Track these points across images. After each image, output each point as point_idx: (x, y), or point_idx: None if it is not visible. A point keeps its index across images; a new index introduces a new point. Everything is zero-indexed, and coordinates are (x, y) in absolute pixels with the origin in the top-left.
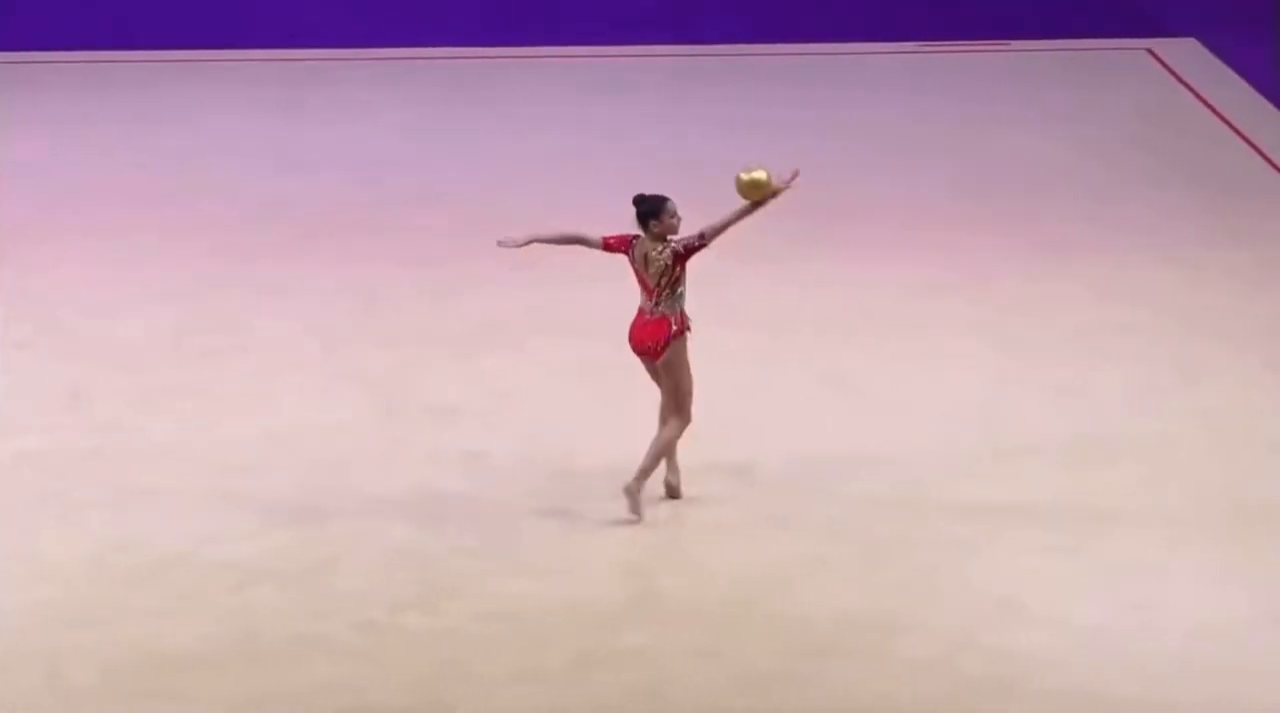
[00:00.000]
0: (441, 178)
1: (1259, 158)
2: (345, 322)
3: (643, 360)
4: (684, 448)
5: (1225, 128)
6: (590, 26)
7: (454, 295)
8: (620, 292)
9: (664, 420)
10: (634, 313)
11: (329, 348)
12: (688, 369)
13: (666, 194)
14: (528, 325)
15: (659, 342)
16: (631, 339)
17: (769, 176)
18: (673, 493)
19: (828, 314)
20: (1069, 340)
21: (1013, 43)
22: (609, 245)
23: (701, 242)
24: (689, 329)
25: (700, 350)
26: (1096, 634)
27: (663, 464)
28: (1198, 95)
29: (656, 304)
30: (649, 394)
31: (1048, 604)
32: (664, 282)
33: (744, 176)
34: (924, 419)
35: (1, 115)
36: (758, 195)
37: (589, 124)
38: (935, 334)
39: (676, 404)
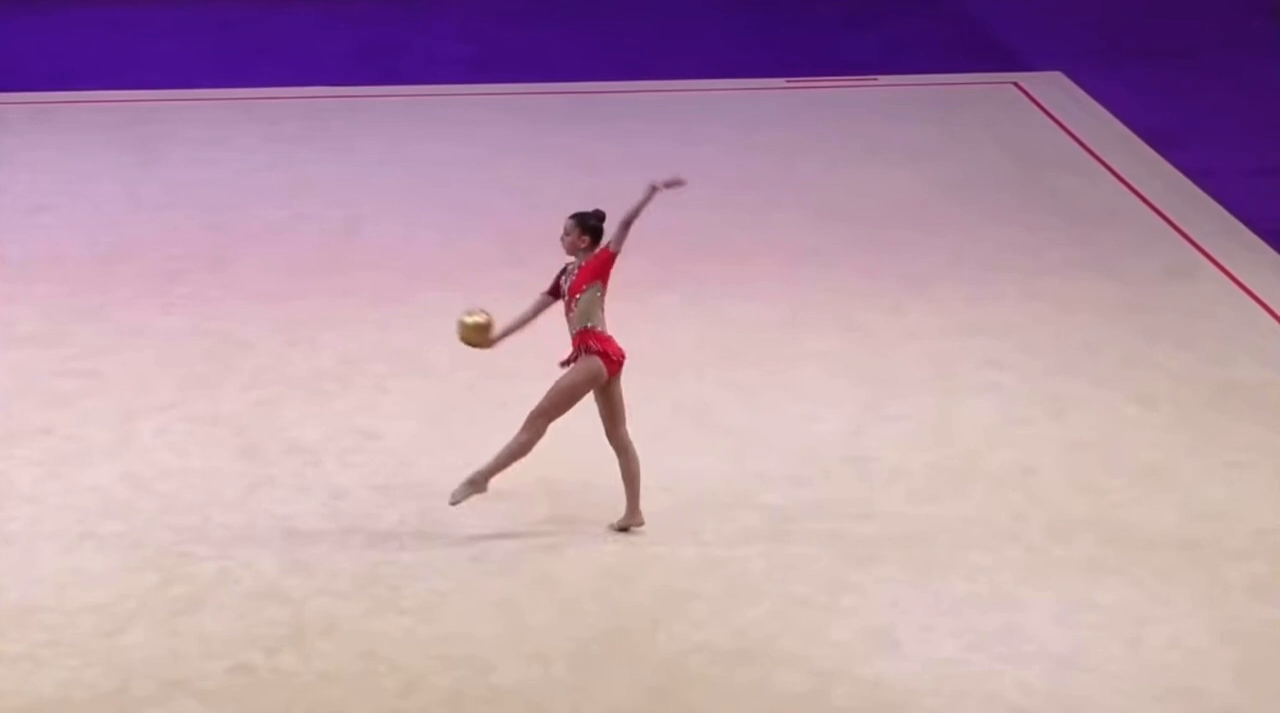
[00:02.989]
0: (291, 216)
1: (1125, 189)
2: (201, 362)
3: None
4: (548, 483)
5: (1092, 159)
6: (437, 66)
7: (308, 334)
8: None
9: (620, 448)
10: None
11: (185, 389)
12: (570, 393)
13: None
14: (384, 363)
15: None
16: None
17: (488, 321)
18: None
19: (687, 350)
20: (931, 373)
21: (880, 78)
22: (554, 291)
23: (608, 251)
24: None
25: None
26: (962, 665)
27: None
28: (1064, 128)
29: (572, 321)
30: (503, 429)
31: (915, 636)
32: (572, 298)
33: (467, 320)
34: (788, 452)
35: None
36: (478, 339)
37: (437, 160)
38: (796, 368)
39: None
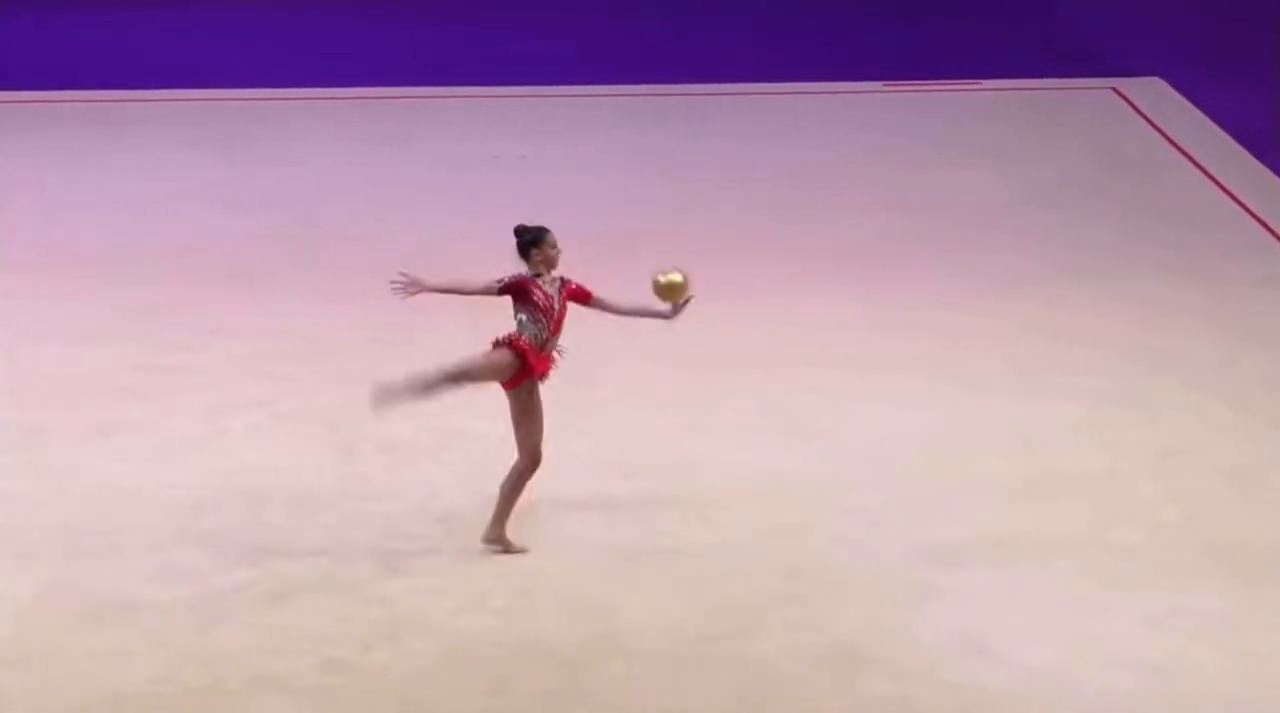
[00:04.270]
0: (373, 215)
1: (1222, 194)
2: (289, 360)
3: (514, 391)
4: (640, 484)
5: (1189, 165)
6: (521, 66)
7: (395, 332)
8: (570, 330)
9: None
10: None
11: (275, 386)
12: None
13: (547, 230)
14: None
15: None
16: (538, 368)
17: (684, 280)
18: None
19: (768, 351)
20: (1017, 375)
21: (980, 83)
22: (507, 287)
23: (587, 302)
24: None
25: (646, 391)
26: (1052, 671)
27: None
28: (1163, 133)
29: (553, 338)
30: (599, 428)
31: (1003, 640)
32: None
33: (661, 279)
34: (872, 454)
35: None
36: (672, 297)
37: (524, 162)
38: (879, 369)
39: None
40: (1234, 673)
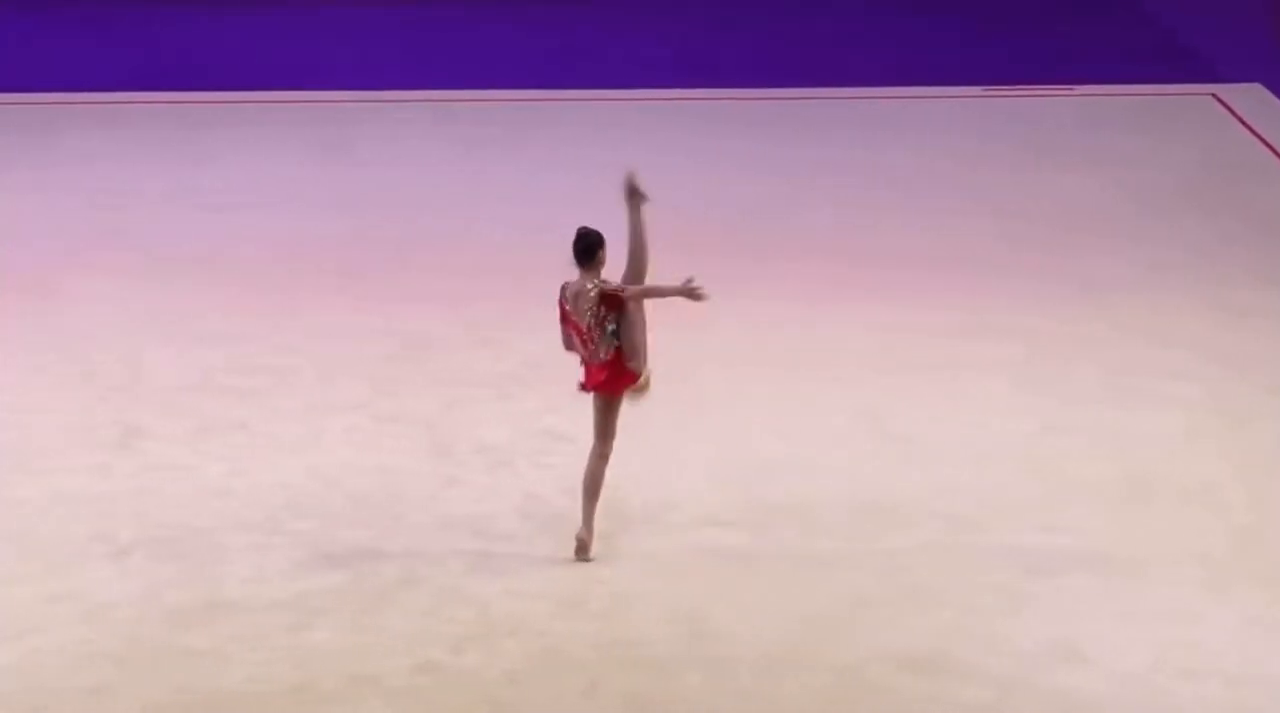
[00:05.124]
0: (475, 217)
1: None
2: (388, 362)
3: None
4: (733, 488)
5: None
6: (625, 69)
7: (495, 334)
8: (662, 331)
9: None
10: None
11: (373, 387)
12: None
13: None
14: (571, 364)
15: (626, 384)
16: (589, 382)
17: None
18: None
19: (866, 357)
20: (1112, 382)
21: (1079, 88)
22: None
23: (621, 295)
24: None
25: (744, 396)
26: (1144, 679)
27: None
28: (1262, 139)
29: (595, 344)
30: (694, 432)
31: (1096, 648)
32: (593, 320)
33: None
34: (966, 462)
35: (35, 156)
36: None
37: (618, 164)
38: (974, 375)
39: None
40: None
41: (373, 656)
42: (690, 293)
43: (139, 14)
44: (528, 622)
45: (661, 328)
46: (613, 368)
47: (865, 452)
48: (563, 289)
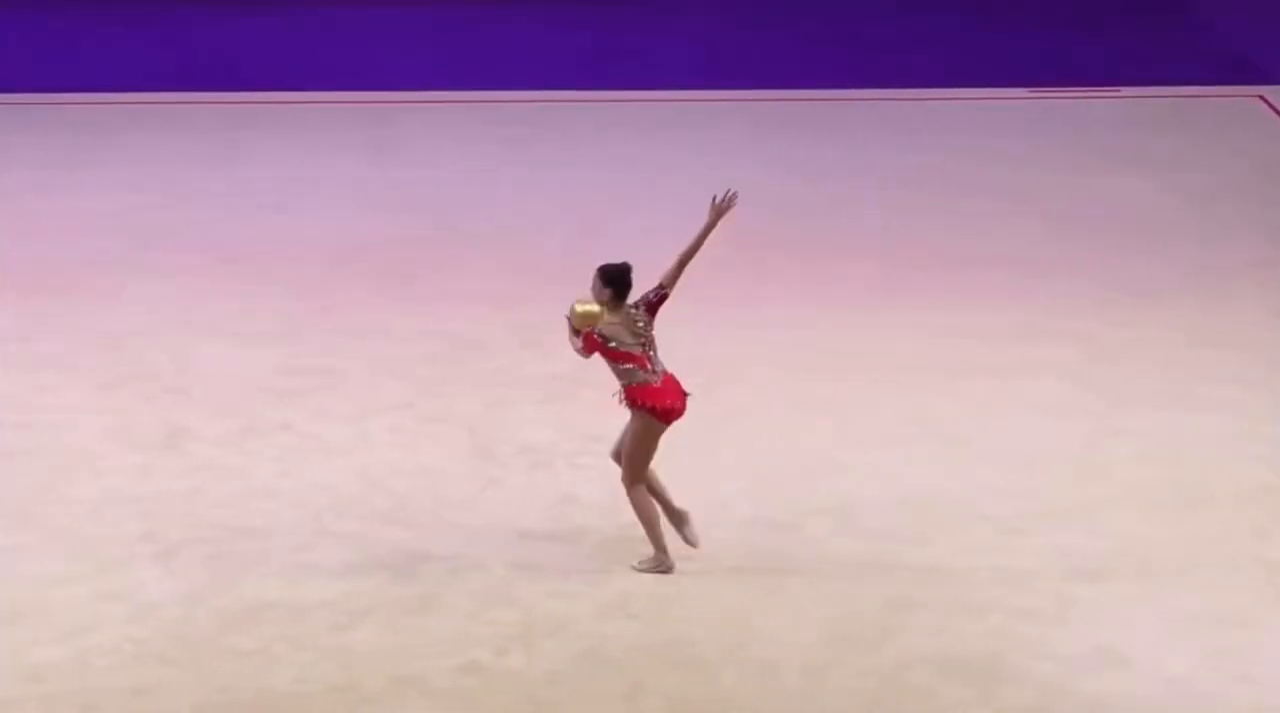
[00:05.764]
0: (521, 219)
1: None
2: (433, 363)
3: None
4: (779, 490)
5: None
6: (669, 70)
7: (540, 337)
8: (710, 333)
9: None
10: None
11: (418, 388)
12: (641, 448)
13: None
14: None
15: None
16: (676, 409)
17: (600, 310)
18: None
19: (915, 360)
20: (1165, 386)
21: (1123, 89)
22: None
23: (663, 291)
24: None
25: (792, 398)
26: (1191, 684)
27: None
28: None
29: (653, 365)
30: (741, 434)
31: (1144, 653)
32: (648, 341)
33: (578, 308)
34: (1016, 464)
35: (81, 157)
36: (588, 325)
37: (665, 164)
38: (1025, 378)
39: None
40: None
41: (416, 656)
42: (722, 211)
43: (191, 15)
44: (570, 623)
45: (710, 329)
46: (670, 381)
47: (913, 454)
48: (597, 335)
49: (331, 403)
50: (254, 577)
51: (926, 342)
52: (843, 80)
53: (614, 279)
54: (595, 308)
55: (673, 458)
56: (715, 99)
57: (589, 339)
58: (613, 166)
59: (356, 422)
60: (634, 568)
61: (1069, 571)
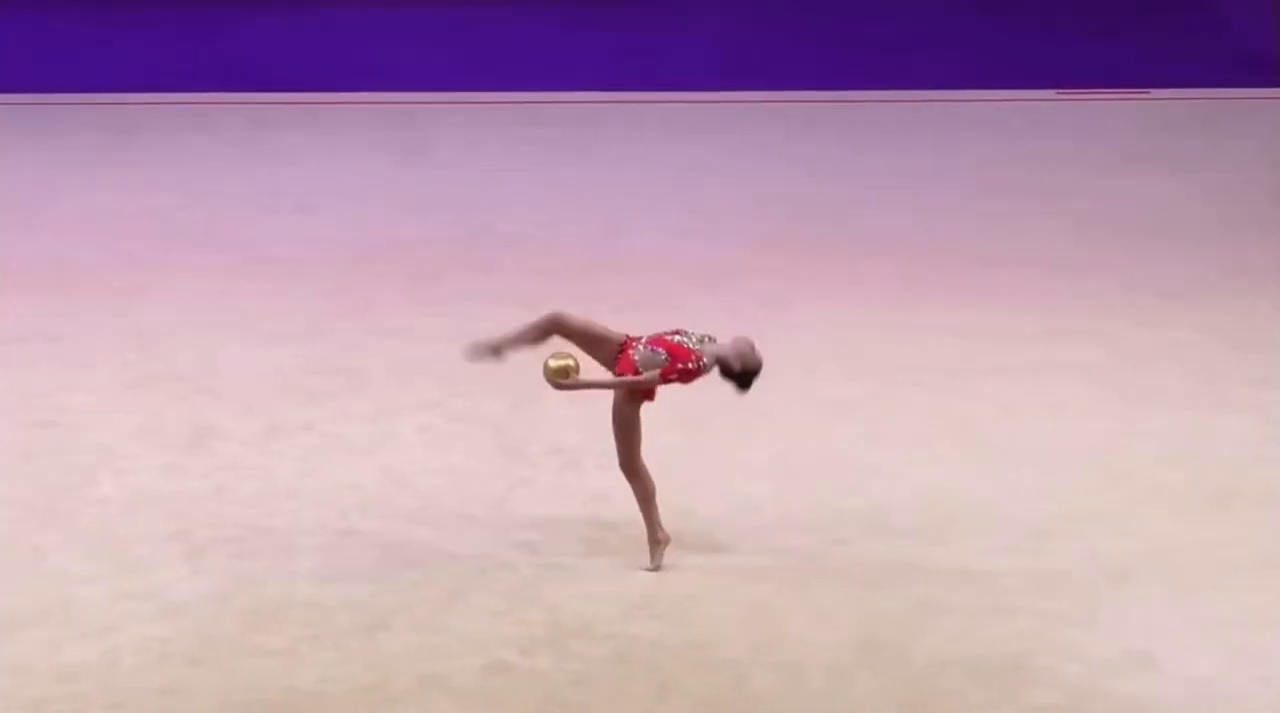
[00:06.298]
0: (549, 219)
1: None
2: (461, 363)
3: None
4: (806, 491)
5: None
6: (693, 71)
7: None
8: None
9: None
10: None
11: (446, 388)
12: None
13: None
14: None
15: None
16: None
17: (575, 364)
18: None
19: (942, 360)
20: (1192, 388)
21: (1150, 91)
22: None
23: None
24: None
25: (818, 398)
26: (1220, 687)
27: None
28: None
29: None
30: (769, 435)
31: (1173, 655)
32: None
33: (552, 364)
34: (1042, 465)
35: (109, 156)
36: (566, 383)
37: (690, 166)
38: (1051, 380)
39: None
40: None
41: (443, 656)
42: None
43: (221, 16)
44: (597, 623)
45: (735, 330)
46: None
47: (939, 455)
48: (699, 358)
49: (359, 403)
50: (280, 576)
51: (951, 342)
52: (866, 82)
53: (744, 382)
54: (570, 362)
55: (700, 459)
56: (743, 100)
57: (665, 374)
58: (638, 167)
59: (384, 421)
60: (646, 569)
61: (1097, 573)
